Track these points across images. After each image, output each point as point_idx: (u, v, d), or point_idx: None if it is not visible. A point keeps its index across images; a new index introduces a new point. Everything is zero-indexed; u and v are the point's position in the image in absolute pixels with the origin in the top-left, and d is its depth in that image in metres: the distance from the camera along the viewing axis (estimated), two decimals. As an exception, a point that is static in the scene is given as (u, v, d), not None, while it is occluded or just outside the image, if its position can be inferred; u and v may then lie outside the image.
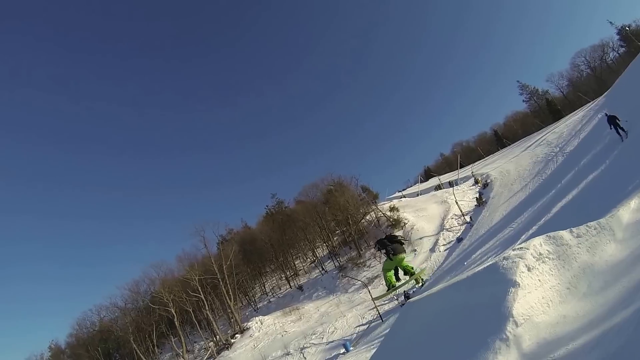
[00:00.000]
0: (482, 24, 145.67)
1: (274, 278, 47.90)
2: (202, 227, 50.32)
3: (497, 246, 20.64)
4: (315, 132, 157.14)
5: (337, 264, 39.68)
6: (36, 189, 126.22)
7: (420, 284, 7.58)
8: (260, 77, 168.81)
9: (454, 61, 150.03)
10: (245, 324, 38.51)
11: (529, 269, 5.21)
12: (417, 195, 50.88)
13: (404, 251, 7.56)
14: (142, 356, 41.66)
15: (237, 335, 37.87)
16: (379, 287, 30.94)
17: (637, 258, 4.33)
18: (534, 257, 5.49)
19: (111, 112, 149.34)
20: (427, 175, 65.75)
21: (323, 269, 41.12)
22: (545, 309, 4.80)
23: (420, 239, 33.97)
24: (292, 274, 44.73)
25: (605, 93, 29.68)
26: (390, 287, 7.29)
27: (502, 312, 4.82)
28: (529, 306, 4.80)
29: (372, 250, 37.41)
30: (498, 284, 5.29)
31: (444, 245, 31.33)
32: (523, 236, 17.04)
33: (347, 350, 24.16)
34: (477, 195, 35.13)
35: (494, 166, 41.72)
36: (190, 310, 39.84)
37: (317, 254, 44.66)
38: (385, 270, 7.46)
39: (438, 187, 49.04)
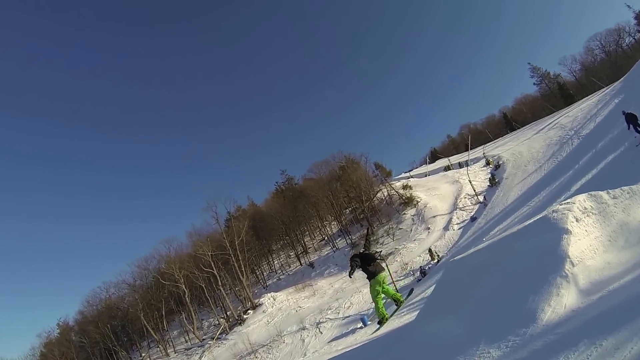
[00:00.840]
0: (494, 0, 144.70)
1: (282, 256, 50.02)
2: (214, 203, 52.23)
3: (517, 223, 22.51)
4: (318, 112, 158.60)
5: (348, 241, 41.73)
6: (48, 170, 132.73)
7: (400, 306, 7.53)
8: (266, 53, 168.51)
9: (463, 40, 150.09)
10: (257, 300, 40.43)
11: (576, 220, 6.28)
12: (426, 175, 52.82)
13: (384, 269, 7.49)
14: (152, 332, 43.88)
15: (249, 311, 39.53)
16: (394, 264, 32.84)
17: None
18: (579, 210, 6.72)
19: (113, 93, 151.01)
20: (434, 156, 67.63)
21: (334, 245, 43.18)
22: (593, 255, 5.95)
23: (434, 217, 36.02)
24: (301, 251, 46.82)
25: (622, 78, 31.03)
26: (384, 321, 7.33)
27: (558, 254, 5.86)
28: (580, 251, 5.87)
29: (385, 227, 39.58)
30: (551, 232, 6.37)
31: (457, 224, 33.24)
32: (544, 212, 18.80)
33: (365, 324, 24.70)
34: (490, 176, 37.07)
35: (504, 148, 43.38)
36: (203, 285, 41.76)
37: (328, 232, 46.72)
38: (374, 295, 7.31)
39: (447, 168, 50.99)
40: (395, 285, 28.43)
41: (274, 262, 50.14)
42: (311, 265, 42.57)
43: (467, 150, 57.40)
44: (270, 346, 31.57)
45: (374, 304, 7.45)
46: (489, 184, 35.56)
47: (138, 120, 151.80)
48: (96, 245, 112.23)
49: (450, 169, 50.02)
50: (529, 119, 54.37)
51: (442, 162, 59.70)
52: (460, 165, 48.94)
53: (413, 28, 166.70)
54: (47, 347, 51.20)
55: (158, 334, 44.68)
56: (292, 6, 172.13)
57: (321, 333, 29.39)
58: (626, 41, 49.80)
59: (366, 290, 32.46)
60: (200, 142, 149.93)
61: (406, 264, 32.06)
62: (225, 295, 42.21)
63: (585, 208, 6.82)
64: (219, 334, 39.87)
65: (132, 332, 49.37)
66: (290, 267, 46.64)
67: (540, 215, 7.94)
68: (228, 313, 41.84)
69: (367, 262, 7.28)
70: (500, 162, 38.33)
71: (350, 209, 46.11)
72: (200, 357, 38.52)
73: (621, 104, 25.64)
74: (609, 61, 47.20)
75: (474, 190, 35.27)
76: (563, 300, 5.33)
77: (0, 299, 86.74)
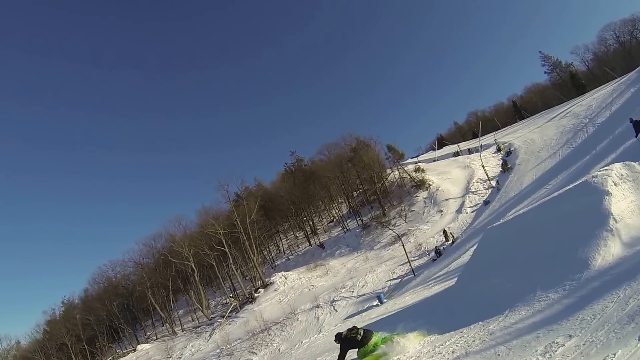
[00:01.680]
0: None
1: (290, 236, 51.83)
2: (226, 181, 54.54)
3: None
4: (325, 95, 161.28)
5: (359, 222, 43.63)
6: (58, 150, 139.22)
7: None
8: (278, 33, 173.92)
9: (472, 24, 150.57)
10: (267, 279, 42.22)
11: (615, 184, 7.50)
12: (434, 161, 54.73)
13: (373, 334, 7.75)
14: (159, 309, 45.51)
15: (260, 289, 41.15)
16: (407, 244, 34.58)
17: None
18: (617, 176, 8.12)
19: (130, 74, 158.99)
20: (440, 143, 69.42)
21: (345, 226, 45.04)
22: (630, 215, 7.51)
23: (446, 200, 38.00)
24: (310, 232, 48.61)
25: (638, 68, 32.72)
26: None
27: (602, 212, 7.08)
28: (620, 210, 7.09)
29: (397, 209, 41.51)
30: (594, 194, 7.50)
31: (470, 207, 35.30)
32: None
33: (381, 302, 24.89)
34: (502, 161, 39.05)
35: (515, 135, 45.26)
36: (214, 263, 43.32)
37: (338, 213, 48.55)
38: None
39: (456, 154, 52.94)
40: (410, 264, 30.33)
41: (282, 242, 51.92)
42: (321, 245, 44.33)
43: (474, 137, 59.35)
44: (284, 323, 32.15)
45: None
46: (501, 169, 37.53)
47: (150, 103, 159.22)
48: (107, 228, 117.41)
49: (459, 155, 51.98)
50: (539, 108, 56.07)
51: (448, 149, 61.55)
52: (469, 151, 50.86)
53: (419, 18, 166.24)
54: (49, 325, 52.75)
55: (165, 312, 46.25)
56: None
57: (336, 311, 30.14)
58: (641, 32, 50.80)
59: (380, 269, 34.66)
60: (207, 123, 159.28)
61: (420, 244, 33.98)
62: (235, 273, 43.80)
63: (622, 175, 8.53)
64: (230, 312, 41.71)
65: (136, 310, 50.84)
66: (299, 247, 48.44)
67: (581, 180, 9.62)
68: (238, 291, 43.51)
69: (352, 346, 7.83)
70: (512, 149, 40.26)
71: (360, 190, 47.86)
72: (210, 335, 40.32)
73: (638, 93, 27.46)
74: (622, 51, 48.60)
75: (487, 175, 37.20)
76: (610, 250, 6.93)
77: (10, 278, 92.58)
